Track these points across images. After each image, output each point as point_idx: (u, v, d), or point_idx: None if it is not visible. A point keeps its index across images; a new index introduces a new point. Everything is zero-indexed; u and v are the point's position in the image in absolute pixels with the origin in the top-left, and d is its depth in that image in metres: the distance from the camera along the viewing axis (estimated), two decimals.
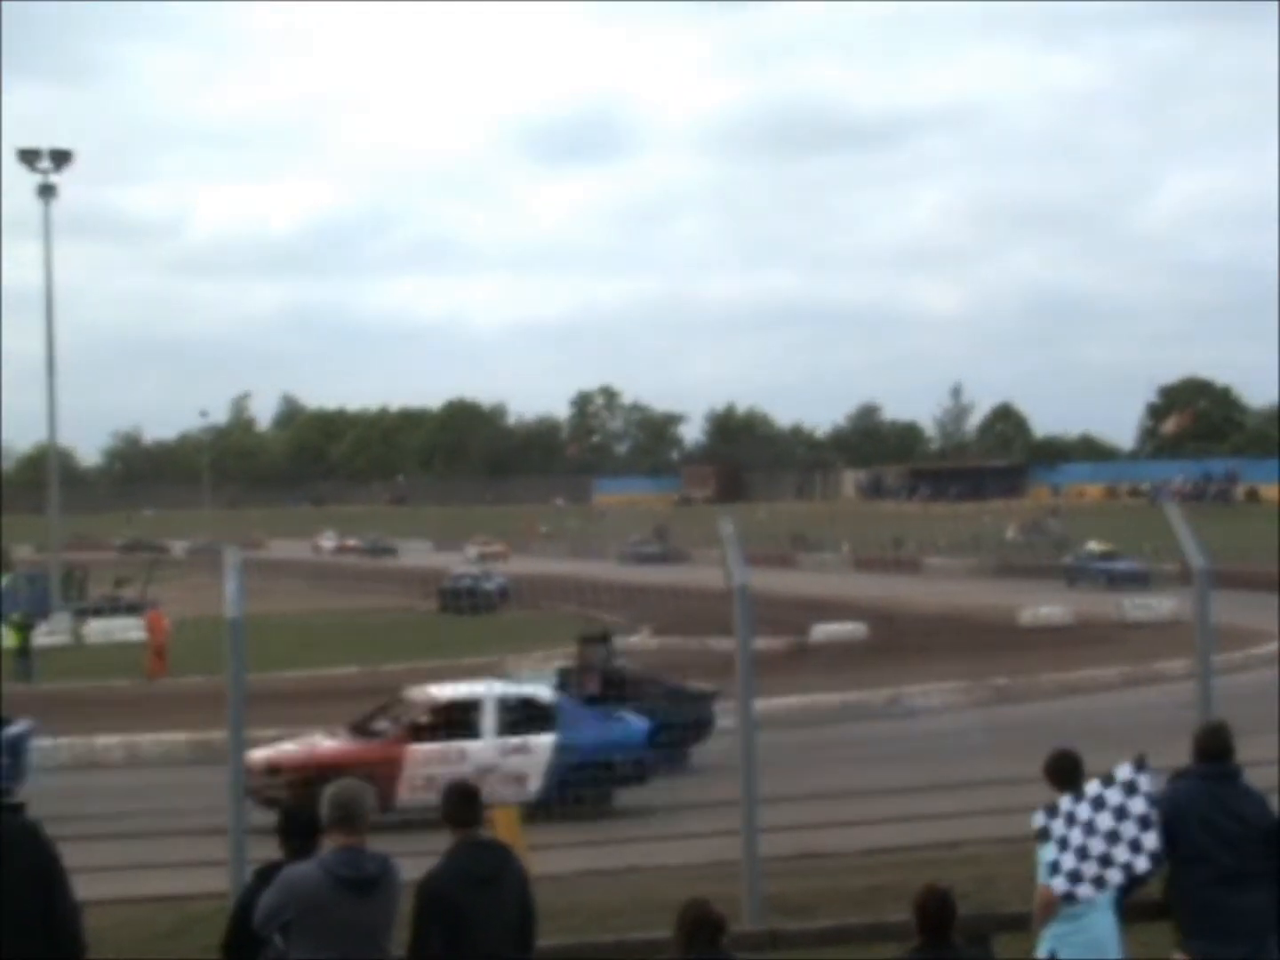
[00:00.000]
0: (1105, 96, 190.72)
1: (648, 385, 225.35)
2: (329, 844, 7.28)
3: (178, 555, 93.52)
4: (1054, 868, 8.27)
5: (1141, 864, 8.33)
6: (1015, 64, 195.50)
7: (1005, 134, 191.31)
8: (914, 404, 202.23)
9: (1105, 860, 8.24)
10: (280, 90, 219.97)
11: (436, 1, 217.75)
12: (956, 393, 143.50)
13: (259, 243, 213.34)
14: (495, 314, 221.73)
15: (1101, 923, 8.41)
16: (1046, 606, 50.18)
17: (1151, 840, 8.34)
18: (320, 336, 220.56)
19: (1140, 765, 8.47)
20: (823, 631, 43.84)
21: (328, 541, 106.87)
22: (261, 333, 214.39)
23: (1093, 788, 8.41)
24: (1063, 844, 8.28)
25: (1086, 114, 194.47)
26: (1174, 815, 8.49)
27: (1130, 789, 8.38)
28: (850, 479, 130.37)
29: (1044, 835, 8.28)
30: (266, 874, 7.50)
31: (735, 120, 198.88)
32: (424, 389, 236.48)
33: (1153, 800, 8.38)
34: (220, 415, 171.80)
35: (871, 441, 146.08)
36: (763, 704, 21.42)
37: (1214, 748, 8.68)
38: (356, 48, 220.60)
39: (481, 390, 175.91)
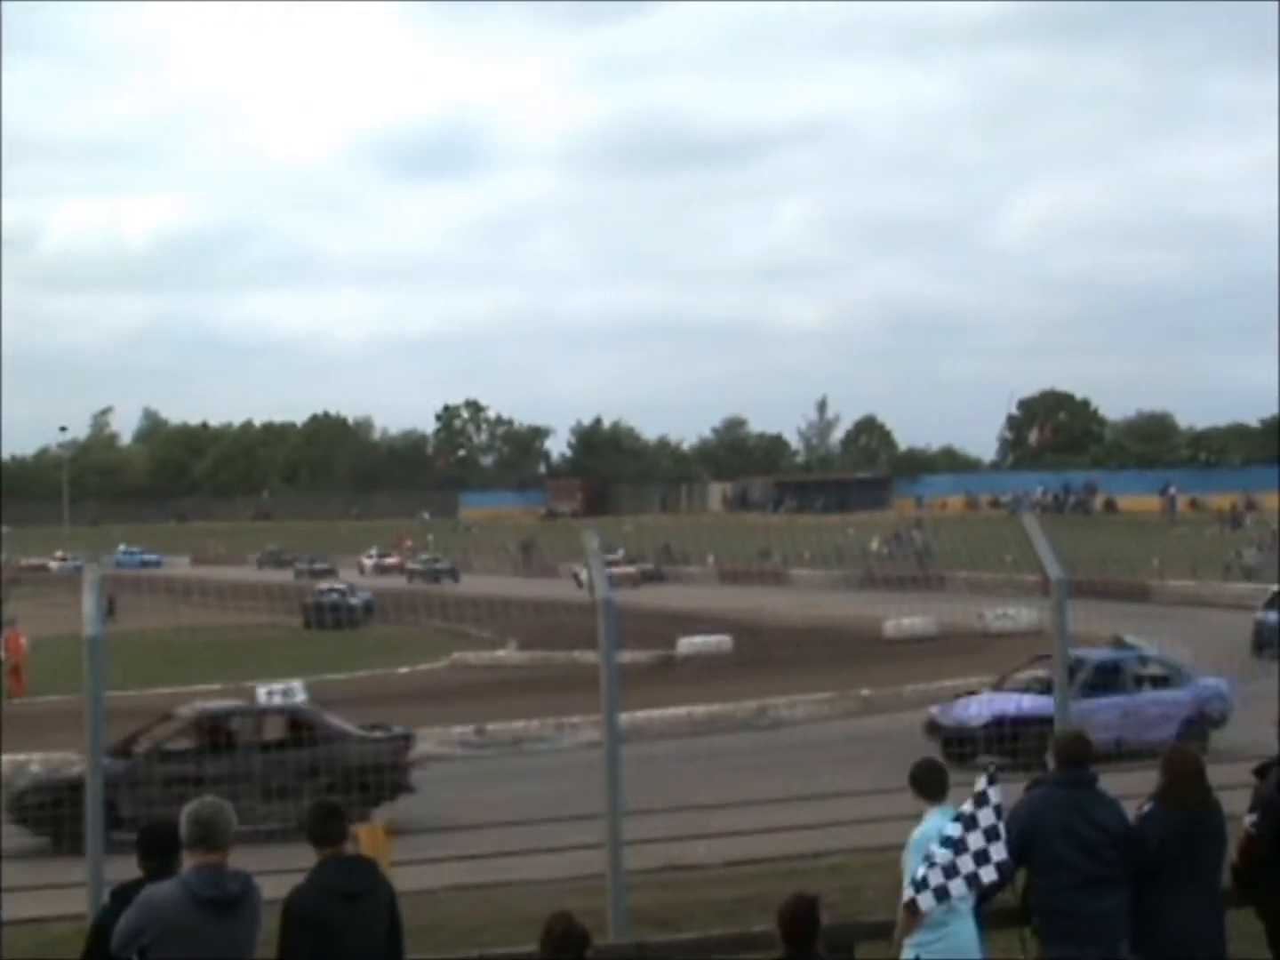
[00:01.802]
0: (959, 113, 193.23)
1: (513, 399, 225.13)
2: (189, 863, 7.20)
3: (55, 572, 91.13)
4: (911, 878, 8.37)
5: (988, 874, 8.44)
6: (870, 80, 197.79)
7: (862, 149, 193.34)
8: (779, 417, 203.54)
9: (950, 870, 8.34)
10: (133, 103, 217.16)
11: (293, 15, 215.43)
12: (822, 406, 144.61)
13: (115, 257, 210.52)
14: (357, 328, 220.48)
15: (963, 930, 8.51)
16: (910, 618, 50.59)
17: (999, 851, 8.44)
18: (181, 351, 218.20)
19: (992, 779, 8.58)
20: (689, 644, 43.94)
21: (368, 559, 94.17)
22: (121, 347, 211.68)
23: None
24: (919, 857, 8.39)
25: (941, 130, 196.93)
26: (1033, 822, 8.62)
27: (981, 800, 8.48)
28: (716, 491, 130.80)
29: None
30: (124, 894, 7.39)
31: (595, 136, 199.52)
32: (287, 403, 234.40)
33: (1001, 813, 8.49)
34: (80, 431, 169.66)
35: (737, 454, 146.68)
36: (628, 717, 21.47)
37: (1072, 755, 8.82)
38: (212, 61, 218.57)
39: (346, 405, 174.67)
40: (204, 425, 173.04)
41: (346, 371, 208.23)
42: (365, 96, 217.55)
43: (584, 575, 10.07)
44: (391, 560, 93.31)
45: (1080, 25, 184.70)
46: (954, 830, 8.37)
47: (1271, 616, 38.61)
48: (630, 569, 70.33)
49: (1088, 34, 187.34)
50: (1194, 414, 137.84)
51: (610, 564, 63.77)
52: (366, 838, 13.09)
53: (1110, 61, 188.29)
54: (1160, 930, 8.64)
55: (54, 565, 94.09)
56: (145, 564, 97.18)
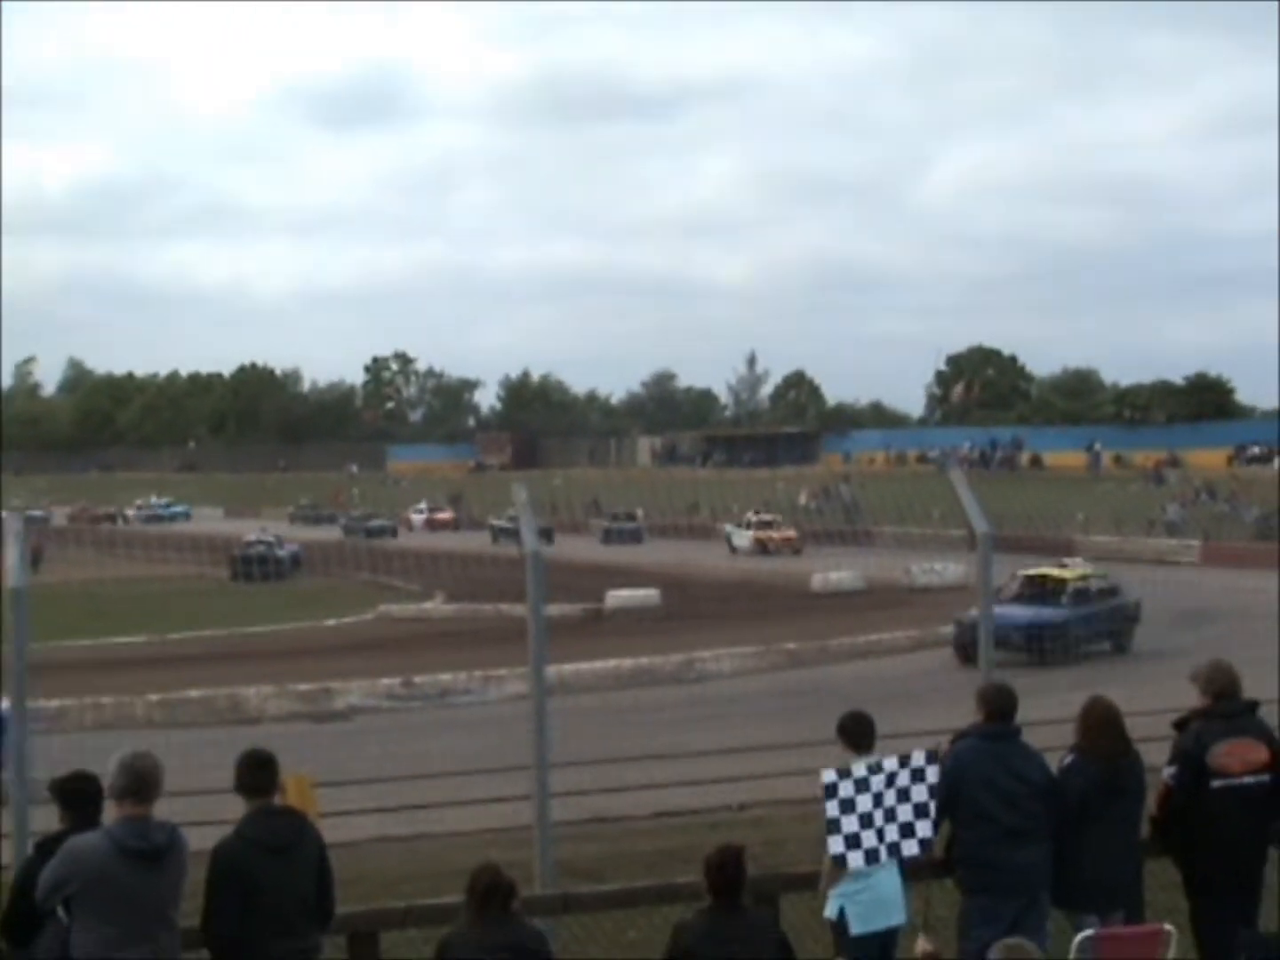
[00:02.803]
0: (882, 70, 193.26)
1: (442, 352, 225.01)
2: (116, 813, 7.18)
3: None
4: (833, 826, 8.43)
5: (910, 848, 8.57)
6: (795, 36, 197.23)
7: (787, 105, 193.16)
8: (709, 371, 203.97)
9: (880, 835, 8.44)
10: (54, 50, 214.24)
11: None
12: (751, 361, 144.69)
13: (36, 204, 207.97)
14: (283, 279, 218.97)
15: (888, 882, 8.60)
16: (837, 572, 50.84)
17: (925, 828, 8.57)
18: (106, 301, 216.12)
19: (931, 757, 8.66)
20: (616, 598, 44.01)
21: (417, 515, 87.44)
22: (44, 297, 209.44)
23: (889, 763, 8.58)
24: (847, 806, 8.44)
25: (865, 87, 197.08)
26: (957, 774, 8.70)
27: (918, 776, 8.57)
28: (645, 446, 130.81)
29: (830, 792, 8.43)
30: (48, 846, 7.35)
31: (519, 88, 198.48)
32: (214, 354, 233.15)
33: (933, 792, 8.59)
34: (3, 380, 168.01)
35: (666, 409, 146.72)
36: (555, 670, 21.50)
37: (996, 708, 8.90)
38: (136, 9, 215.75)
39: (273, 356, 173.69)
40: (129, 375, 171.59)
41: (273, 323, 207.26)
42: (288, 46, 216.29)
43: (502, 526, 10.04)
44: (444, 515, 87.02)
45: None
46: (879, 787, 8.46)
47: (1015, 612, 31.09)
48: (790, 533, 65.68)
49: None
50: (1119, 371, 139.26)
51: (761, 524, 66.54)
52: (294, 789, 13.06)
53: (1034, 19, 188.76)
54: (1080, 880, 8.76)
55: None
56: (175, 516, 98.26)
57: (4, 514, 10.09)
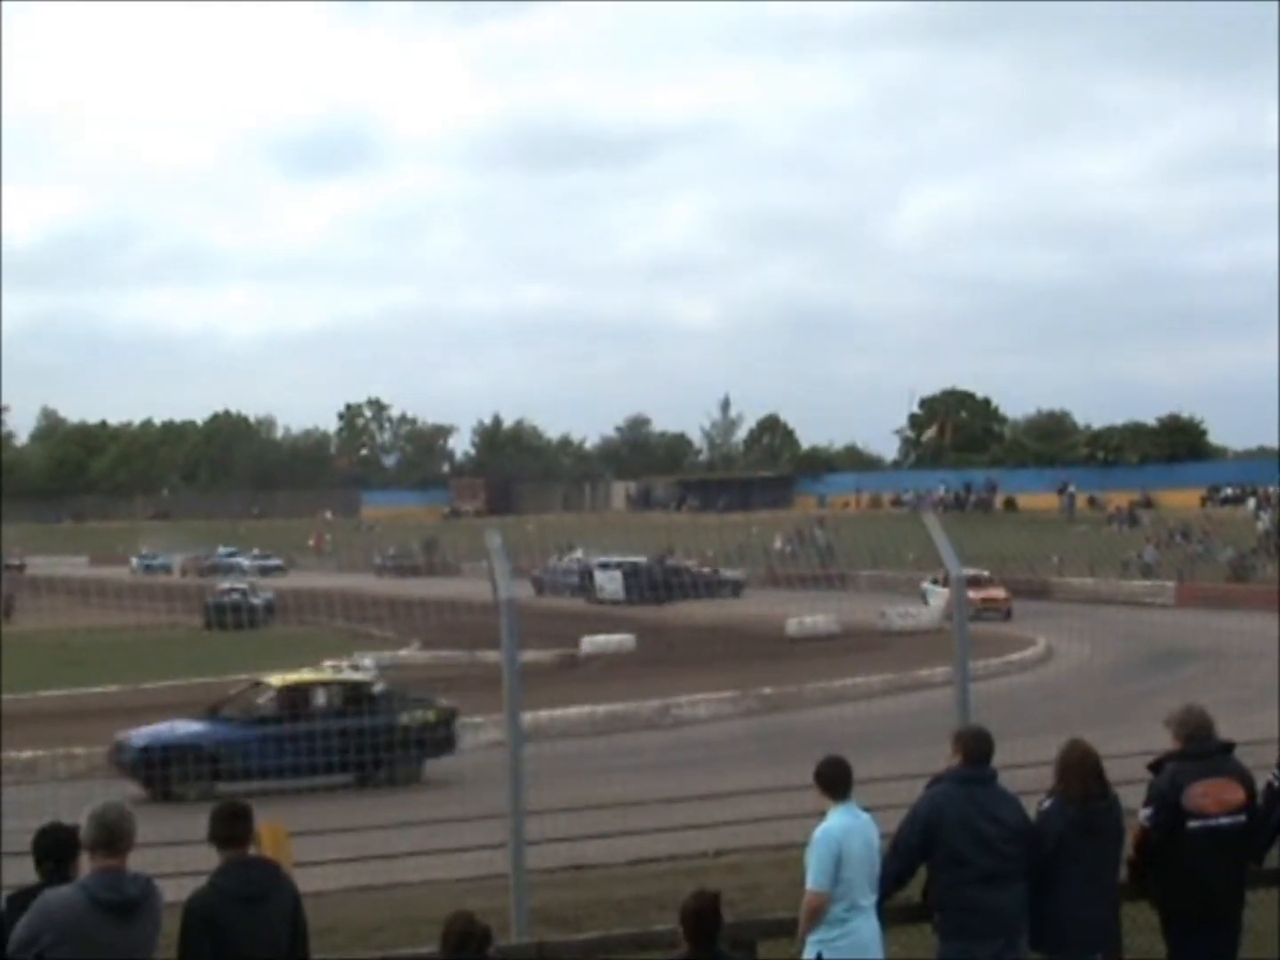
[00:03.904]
0: (847, 113, 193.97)
1: (415, 397, 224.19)
2: (89, 865, 7.14)
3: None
4: None
5: None
6: (759, 80, 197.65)
7: (753, 148, 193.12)
8: (683, 416, 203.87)
9: None
10: (22, 96, 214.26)
11: (184, 9, 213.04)
12: (724, 405, 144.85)
13: (5, 252, 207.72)
14: (255, 326, 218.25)
15: (865, 927, 8.57)
16: (812, 616, 50.81)
17: None
18: (78, 349, 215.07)
19: None
20: (592, 643, 43.95)
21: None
22: (15, 345, 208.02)
23: None
24: None
25: (830, 130, 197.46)
26: (934, 818, 8.69)
27: None
28: (620, 490, 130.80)
29: None
30: (21, 900, 7.31)
31: (487, 134, 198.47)
32: (187, 402, 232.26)
33: None
34: None
35: (641, 453, 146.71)
36: (531, 716, 21.47)
37: (972, 753, 8.90)
38: (103, 54, 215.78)
39: (246, 403, 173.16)
40: (102, 424, 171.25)
41: (245, 369, 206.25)
42: (255, 92, 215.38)
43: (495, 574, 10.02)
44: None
45: (963, 27, 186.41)
46: None
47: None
48: (998, 592, 54.57)
49: (971, 35, 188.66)
50: (1092, 413, 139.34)
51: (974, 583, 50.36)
52: (268, 839, 13.01)
53: (995, 63, 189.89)
54: (1058, 923, 8.75)
55: None
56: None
57: None
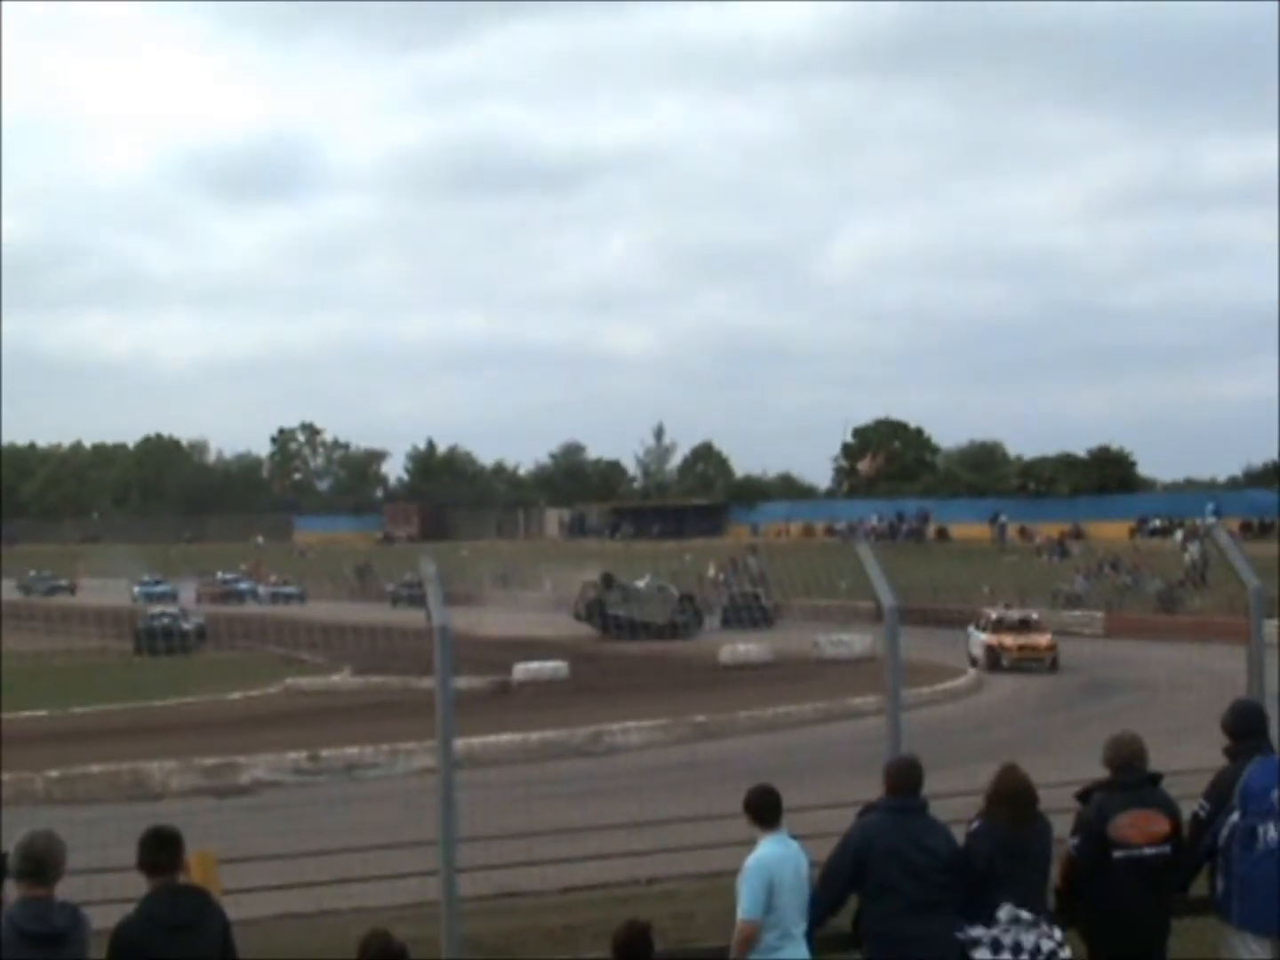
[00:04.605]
0: (783, 145, 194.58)
1: (349, 423, 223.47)
2: (15, 894, 7.09)
3: None
4: None
5: None
6: (695, 111, 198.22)
7: (689, 179, 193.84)
8: (617, 444, 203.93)
9: None
10: None
11: (114, 34, 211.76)
12: (659, 433, 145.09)
13: None
14: (187, 350, 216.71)
15: (797, 955, 8.59)
16: (745, 644, 50.92)
17: None
18: (7, 371, 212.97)
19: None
20: (524, 670, 43.89)
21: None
22: None
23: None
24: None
25: (766, 161, 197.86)
26: (865, 848, 8.73)
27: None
28: (554, 517, 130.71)
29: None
30: None
31: (422, 160, 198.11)
32: (118, 425, 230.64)
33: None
34: None
35: (575, 480, 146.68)
36: (463, 743, 21.41)
37: (903, 782, 8.94)
38: (33, 78, 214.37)
39: (179, 426, 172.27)
40: (32, 446, 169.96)
41: (177, 393, 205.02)
42: (187, 117, 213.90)
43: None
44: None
45: (898, 60, 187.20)
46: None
47: None
48: (1044, 638, 47.77)
49: (906, 69, 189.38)
50: (1023, 444, 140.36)
51: (1006, 625, 47.58)
52: (197, 866, 12.93)
53: (930, 97, 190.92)
54: None
55: None
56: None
57: None
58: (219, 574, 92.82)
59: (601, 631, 58.17)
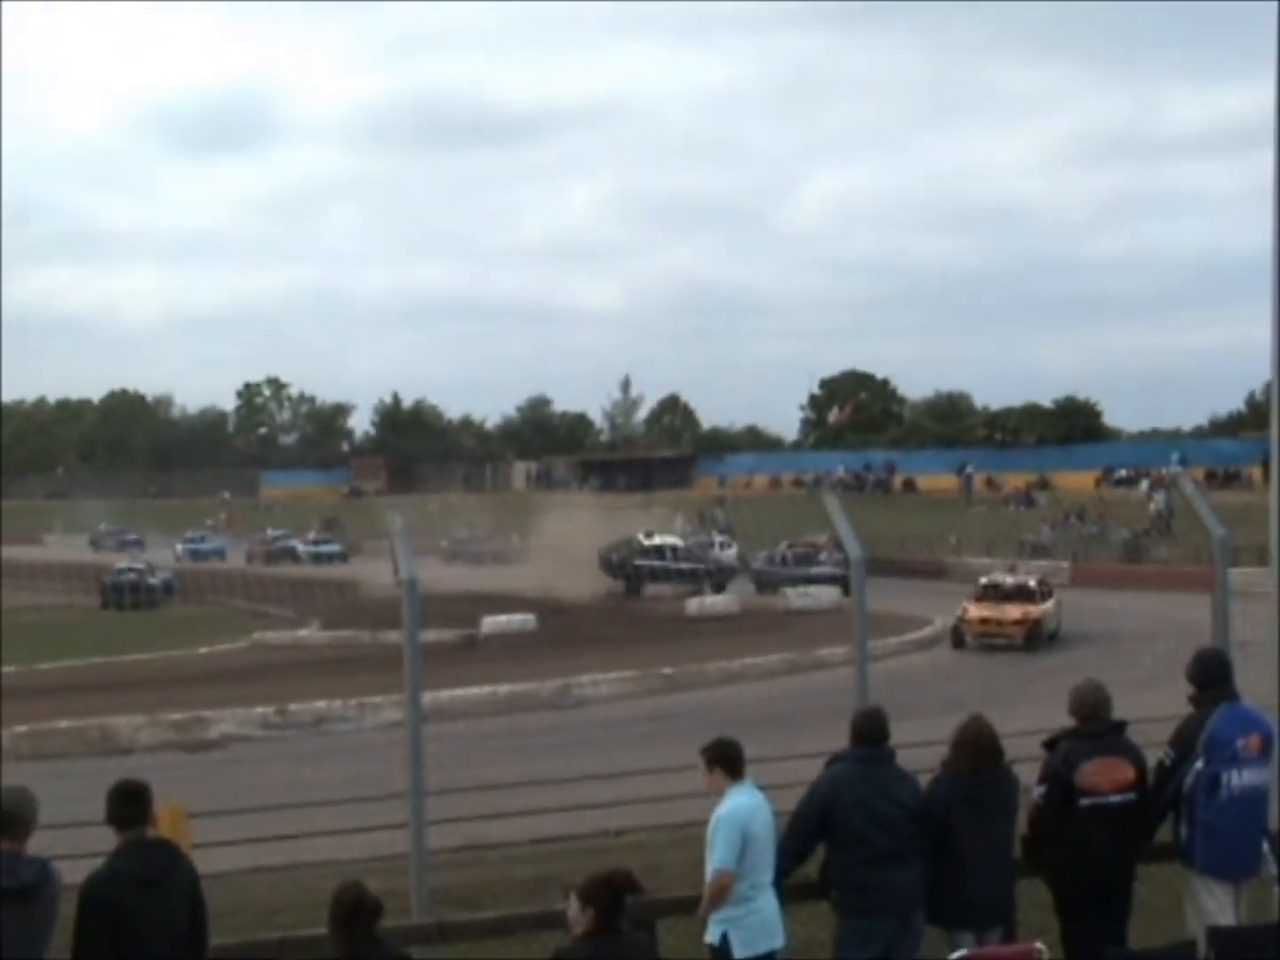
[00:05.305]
0: (746, 96, 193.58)
1: (315, 377, 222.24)
2: None
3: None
4: None
5: None
6: (657, 61, 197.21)
7: (654, 130, 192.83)
8: (584, 396, 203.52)
9: None
10: None
11: None
12: (625, 385, 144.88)
13: None
14: (152, 304, 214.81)
15: (769, 904, 8.64)
16: (712, 597, 51.05)
17: None
18: None
19: None
20: (493, 623, 43.90)
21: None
22: None
23: None
24: None
25: (729, 112, 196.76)
26: (832, 798, 8.77)
27: None
28: (521, 471, 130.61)
29: None
30: None
31: (385, 113, 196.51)
32: (83, 381, 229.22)
33: None
34: None
35: (542, 433, 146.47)
36: (431, 696, 21.43)
37: (870, 732, 8.98)
38: None
39: (144, 382, 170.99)
40: None
41: (143, 348, 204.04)
42: (148, 69, 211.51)
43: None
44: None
45: (863, 11, 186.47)
46: None
47: None
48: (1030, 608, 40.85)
49: (871, 19, 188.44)
50: (989, 395, 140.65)
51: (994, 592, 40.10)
52: (166, 820, 12.94)
53: (895, 47, 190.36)
54: (957, 898, 8.85)
55: None
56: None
57: None
58: (269, 531, 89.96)
59: (627, 584, 56.17)
